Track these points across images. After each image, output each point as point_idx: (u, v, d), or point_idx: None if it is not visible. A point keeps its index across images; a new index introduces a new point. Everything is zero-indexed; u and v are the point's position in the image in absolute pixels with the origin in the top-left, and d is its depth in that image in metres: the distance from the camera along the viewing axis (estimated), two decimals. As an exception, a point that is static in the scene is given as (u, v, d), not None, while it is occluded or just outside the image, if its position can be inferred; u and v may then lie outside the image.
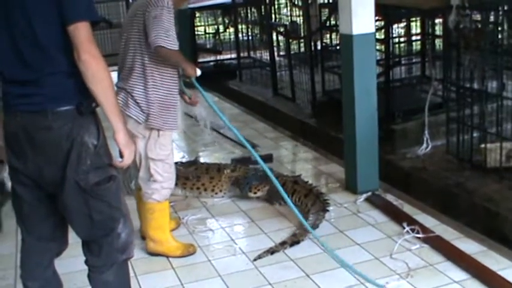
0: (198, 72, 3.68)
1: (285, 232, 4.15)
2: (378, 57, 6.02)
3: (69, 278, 3.38)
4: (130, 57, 3.62)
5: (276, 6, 10.88)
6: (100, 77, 2.41)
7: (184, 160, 5.71)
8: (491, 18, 5.24)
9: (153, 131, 3.66)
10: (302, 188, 4.65)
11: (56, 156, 2.48)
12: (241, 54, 10.32)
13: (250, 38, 10.66)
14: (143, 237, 4.02)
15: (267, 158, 5.62)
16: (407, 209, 4.43)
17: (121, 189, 2.73)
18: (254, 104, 8.40)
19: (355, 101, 4.56)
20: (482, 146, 5.09)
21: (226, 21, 12.47)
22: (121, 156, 2.58)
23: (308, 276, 3.59)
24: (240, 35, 10.44)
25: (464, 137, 5.28)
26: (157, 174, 3.75)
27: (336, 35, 7.56)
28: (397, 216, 4.27)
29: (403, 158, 5.59)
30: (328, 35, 8.25)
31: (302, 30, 9.71)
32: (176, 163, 4.34)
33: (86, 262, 2.76)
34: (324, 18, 7.96)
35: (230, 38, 11.80)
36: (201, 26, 12.68)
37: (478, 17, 5.36)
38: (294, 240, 3.96)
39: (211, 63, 10.91)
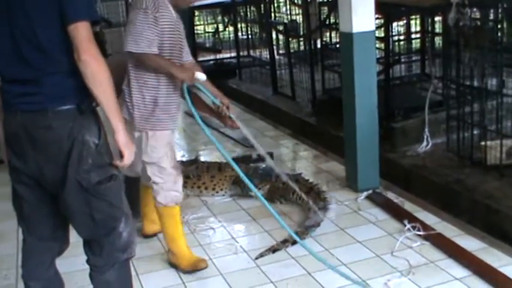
0: (201, 76, 3.46)
1: (286, 230, 4.14)
2: (378, 55, 6.02)
3: (71, 278, 3.39)
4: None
5: (276, 5, 10.87)
6: (100, 77, 2.41)
7: (184, 159, 5.71)
8: (491, 15, 5.25)
9: (143, 133, 3.56)
10: (303, 186, 4.65)
11: (57, 155, 2.48)
12: (241, 53, 10.31)
13: (249, 36, 10.67)
14: (144, 235, 4.03)
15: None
16: (408, 206, 4.44)
17: (122, 189, 2.73)
18: (254, 103, 8.40)
19: (355, 99, 4.56)
20: (483, 143, 5.09)
21: (226, 19, 12.46)
22: (121, 156, 2.58)
23: (309, 274, 3.59)
24: (239, 34, 10.44)
25: (465, 134, 5.27)
26: (155, 176, 3.63)
27: (336, 33, 7.55)
28: (398, 214, 4.27)
29: (403, 156, 5.58)
30: (328, 33, 8.24)
31: (302, 29, 9.71)
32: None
33: (88, 261, 2.76)
34: (323, 16, 7.96)
35: (230, 37, 11.79)
36: (200, 24, 12.68)
37: (477, 14, 5.35)
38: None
39: (211, 62, 10.91)
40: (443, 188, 4.92)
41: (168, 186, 3.65)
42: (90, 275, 2.77)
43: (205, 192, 4.89)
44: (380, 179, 4.82)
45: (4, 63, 2.49)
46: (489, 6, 5.16)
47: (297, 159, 6.01)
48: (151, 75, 3.49)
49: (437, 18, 7.28)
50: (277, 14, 10.88)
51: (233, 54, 10.57)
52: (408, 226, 4.03)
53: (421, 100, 5.92)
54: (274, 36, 9.56)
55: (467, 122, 5.26)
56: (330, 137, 6.36)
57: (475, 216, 4.44)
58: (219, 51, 11.48)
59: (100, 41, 5.46)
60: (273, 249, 3.90)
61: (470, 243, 3.83)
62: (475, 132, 5.24)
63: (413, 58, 8.01)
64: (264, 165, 5.10)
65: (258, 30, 10.84)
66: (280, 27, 9.47)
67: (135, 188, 4.13)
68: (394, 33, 7.38)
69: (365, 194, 4.66)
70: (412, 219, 4.13)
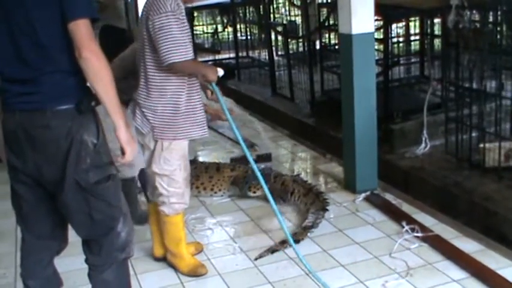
0: (221, 72, 3.40)
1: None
2: (377, 57, 6.02)
3: (69, 277, 3.38)
4: (139, 65, 3.44)
5: (275, 6, 10.88)
6: (101, 74, 2.41)
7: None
8: (490, 18, 5.26)
9: (158, 144, 3.43)
10: (301, 187, 4.66)
11: (55, 155, 2.48)
12: (240, 54, 10.33)
13: (248, 37, 10.67)
14: (154, 258, 3.92)
15: (266, 158, 5.64)
16: (406, 208, 4.44)
17: (120, 188, 2.73)
18: (253, 104, 8.40)
19: (354, 100, 4.56)
20: (481, 145, 5.10)
21: (225, 20, 12.47)
22: (122, 153, 2.58)
23: (307, 275, 3.59)
24: (238, 35, 10.44)
25: (463, 136, 5.28)
26: (162, 188, 3.53)
27: (335, 34, 7.56)
28: (396, 216, 4.27)
29: (401, 158, 5.59)
30: (327, 35, 8.25)
31: (301, 30, 9.72)
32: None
33: (86, 261, 2.76)
34: (322, 17, 7.97)
35: (229, 38, 11.81)
36: (199, 25, 12.70)
37: (477, 17, 5.36)
38: (294, 240, 3.96)
39: (210, 63, 10.88)
40: (441, 190, 4.93)
41: (174, 199, 3.57)
42: (89, 275, 2.77)
43: (203, 192, 4.89)
44: (378, 180, 4.83)
45: (3, 62, 2.48)
46: (488, 9, 5.17)
47: (296, 160, 6.01)
48: (173, 80, 3.34)
49: (436, 20, 7.31)
50: (276, 15, 10.90)
51: (232, 55, 10.58)
52: (406, 228, 4.03)
53: (419, 102, 5.93)
54: (273, 37, 9.56)
55: (466, 124, 5.27)
56: (328, 138, 6.37)
57: (473, 218, 4.45)
58: (218, 52, 11.48)
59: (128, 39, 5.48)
60: (272, 250, 3.90)
61: (468, 245, 3.84)
62: (474, 134, 5.25)
63: (413, 60, 8.03)
64: (262, 166, 5.10)
65: (257, 31, 10.86)
66: (279, 28, 9.48)
67: (131, 190, 4.13)
68: (393, 35, 7.39)
69: (363, 195, 4.66)
70: (410, 220, 4.13)
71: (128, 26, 7.03)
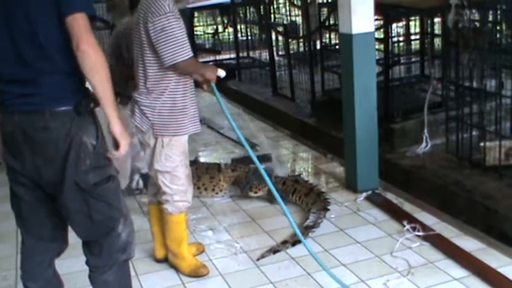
0: (222, 73, 3.45)
1: (285, 231, 4.15)
2: (377, 57, 6.02)
3: (70, 278, 3.38)
4: (137, 65, 3.46)
5: (275, 6, 10.87)
6: (98, 67, 2.40)
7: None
8: (490, 17, 5.25)
9: (158, 141, 3.46)
10: (302, 187, 4.66)
11: (54, 156, 2.48)
12: (241, 54, 10.32)
13: (249, 37, 10.66)
14: (156, 259, 3.93)
15: (266, 158, 5.63)
16: (407, 207, 4.44)
17: (120, 189, 2.73)
18: (254, 104, 8.40)
19: (355, 100, 4.57)
20: (482, 144, 5.10)
21: (225, 21, 12.47)
22: (116, 146, 2.56)
23: (309, 275, 3.59)
24: (239, 35, 10.43)
25: (464, 135, 5.28)
26: (165, 186, 3.55)
27: (335, 34, 7.56)
28: (397, 215, 4.28)
29: (402, 157, 5.59)
30: (327, 35, 8.25)
31: (301, 30, 9.71)
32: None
33: (87, 262, 2.76)
34: (323, 17, 7.97)
35: (229, 38, 11.80)
36: (200, 25, 12.69)
37: (476, 16, 5.36)
38: (296, 240, 3.96)
39: (211, 64, 10.89)
40: (442, 189, 4.93)
41: (177, 197, 3.60)
42: (90, 276, 2.77)
43: (205, 193, 4.89)
44: (379, 179, 4.83)
45: (3, 63, 2.48)
46: (488, 8, 5.17)
47: (297, 160, 6.01)
48: (171, 78, 3.38)
49: (436, 20, 7.30)
50: (276, 15, 10.87)
51: (233, 55, 10.57)
52: (407, 227, 4.04)
53: (420, 101, 5.93)
54: (273, 37, 9.56)
55: (467, 123, 5.27)
56: (329, 138, 6.37)
57: (474, 217, 4.45)
58: (219, 52, 11.48)
59: None
60: (274, 250, 3.90)
61: (469, 243, 3.84)
62: (474, 133, 5.25)
63: (413, 59, 8.02)
64: (264, 166, 5.09)
65: (257, 31, 10.85)
66: (280, 28, 9.47)
67: None
68: (393, 35, 7.38)
69: (364, 194, 4.67)
70: (411, 219, 4.14)
71: None
